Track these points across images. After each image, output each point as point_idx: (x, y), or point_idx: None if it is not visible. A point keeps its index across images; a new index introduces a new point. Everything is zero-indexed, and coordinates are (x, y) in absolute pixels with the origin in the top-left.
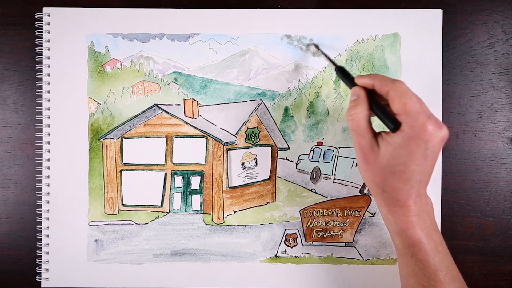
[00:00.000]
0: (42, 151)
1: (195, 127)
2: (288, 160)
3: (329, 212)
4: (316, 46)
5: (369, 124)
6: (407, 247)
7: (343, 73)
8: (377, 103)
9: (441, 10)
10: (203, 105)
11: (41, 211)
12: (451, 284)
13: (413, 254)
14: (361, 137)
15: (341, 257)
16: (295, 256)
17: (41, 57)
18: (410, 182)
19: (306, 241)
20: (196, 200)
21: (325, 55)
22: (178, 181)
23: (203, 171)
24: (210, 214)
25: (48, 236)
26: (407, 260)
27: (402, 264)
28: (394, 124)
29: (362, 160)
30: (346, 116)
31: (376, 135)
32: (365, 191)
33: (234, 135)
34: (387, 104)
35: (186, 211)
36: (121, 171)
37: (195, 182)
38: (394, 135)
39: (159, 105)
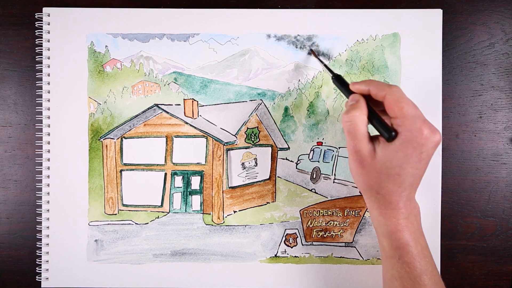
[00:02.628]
0: (42, 151)
1: (195, 127)
2: (288, 160)
3: (329, 212)
4: (313, 53)
5: (367, 128)
6: (395, 249)
7: (339, 81)
8: (373, 110)
9: (441, 10)
10: (203, 105)
11: (41, 211)
12: None
13: (400, 257)
14: (358, 141)
15: (341, 257)
16: (295, 256)
17: (41, 57)
18: (404, 185)
19: (306, 241)
20: (196, 200)
21: (322, 62)
22: (178, 181)
23: (203, 171)
24: (210, 214)
25: (48, 236)
26: (393, 262)
27: (388, 267)
28: (389, 133)
29: (357, 164)
30: (343, 118)
31: (371, 138)
32: None
33: (234, 135)
34: (381, 110)
35: (186, 211)
36: (121, 171)
37: (195, 182)
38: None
39: (159, 105)
